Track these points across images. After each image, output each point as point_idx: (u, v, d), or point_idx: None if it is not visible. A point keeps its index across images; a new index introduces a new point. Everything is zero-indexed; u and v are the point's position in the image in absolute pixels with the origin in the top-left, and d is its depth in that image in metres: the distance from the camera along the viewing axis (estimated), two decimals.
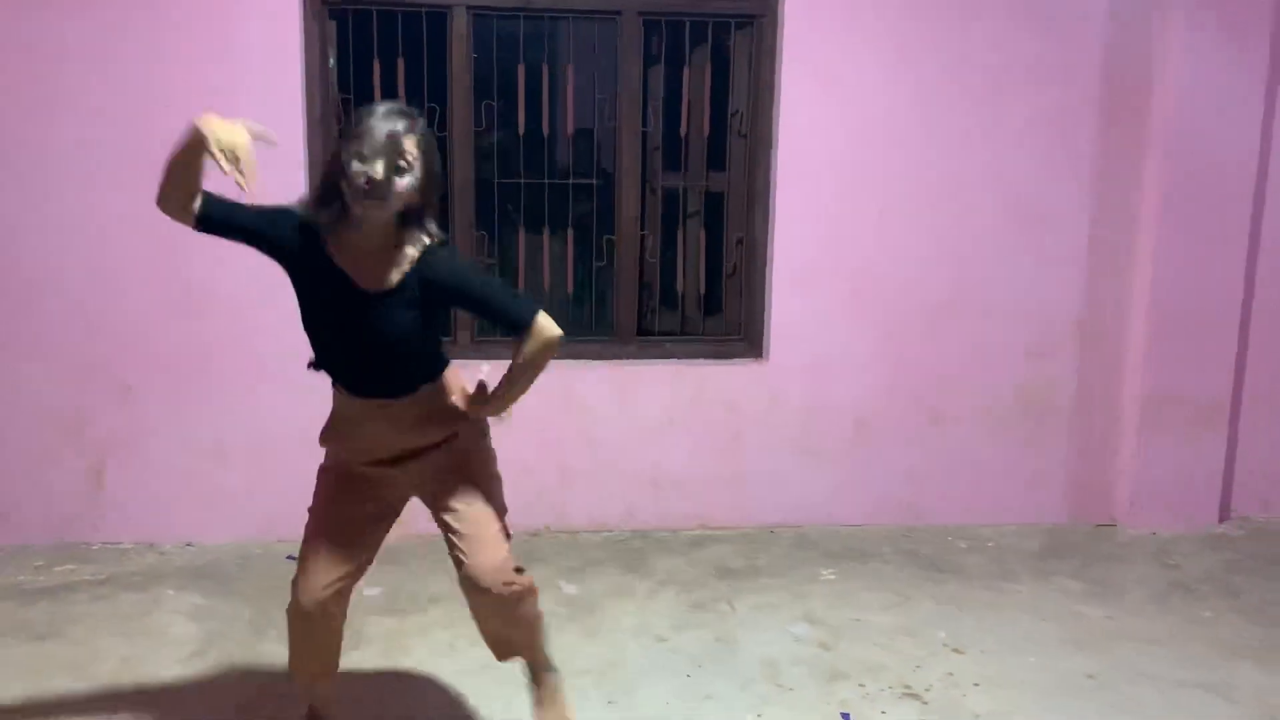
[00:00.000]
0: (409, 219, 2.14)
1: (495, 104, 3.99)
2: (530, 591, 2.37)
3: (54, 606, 3.31)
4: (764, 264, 4.09)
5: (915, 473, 4.20)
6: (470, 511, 2.30)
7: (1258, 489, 4.39)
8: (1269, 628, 3.33)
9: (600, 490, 4.07)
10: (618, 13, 3.91)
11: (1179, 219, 4.02)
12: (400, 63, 3.89)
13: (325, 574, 2.29)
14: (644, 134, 4.06)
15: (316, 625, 2.34)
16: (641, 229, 4.12)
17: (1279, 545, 4.09)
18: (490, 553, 2.28)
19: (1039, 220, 4.11)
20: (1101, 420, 4.25)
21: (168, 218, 2.11)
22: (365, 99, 3.52)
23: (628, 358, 4.09)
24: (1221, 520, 4.29)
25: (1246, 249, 4.10)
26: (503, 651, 2.47)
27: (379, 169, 2.02)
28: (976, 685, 2.93)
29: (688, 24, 4.05)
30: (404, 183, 2.06)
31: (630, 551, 3.89)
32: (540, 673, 2.53)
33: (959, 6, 3.96)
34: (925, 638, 3.21)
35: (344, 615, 2.41)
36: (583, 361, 4.01)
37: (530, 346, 2.18)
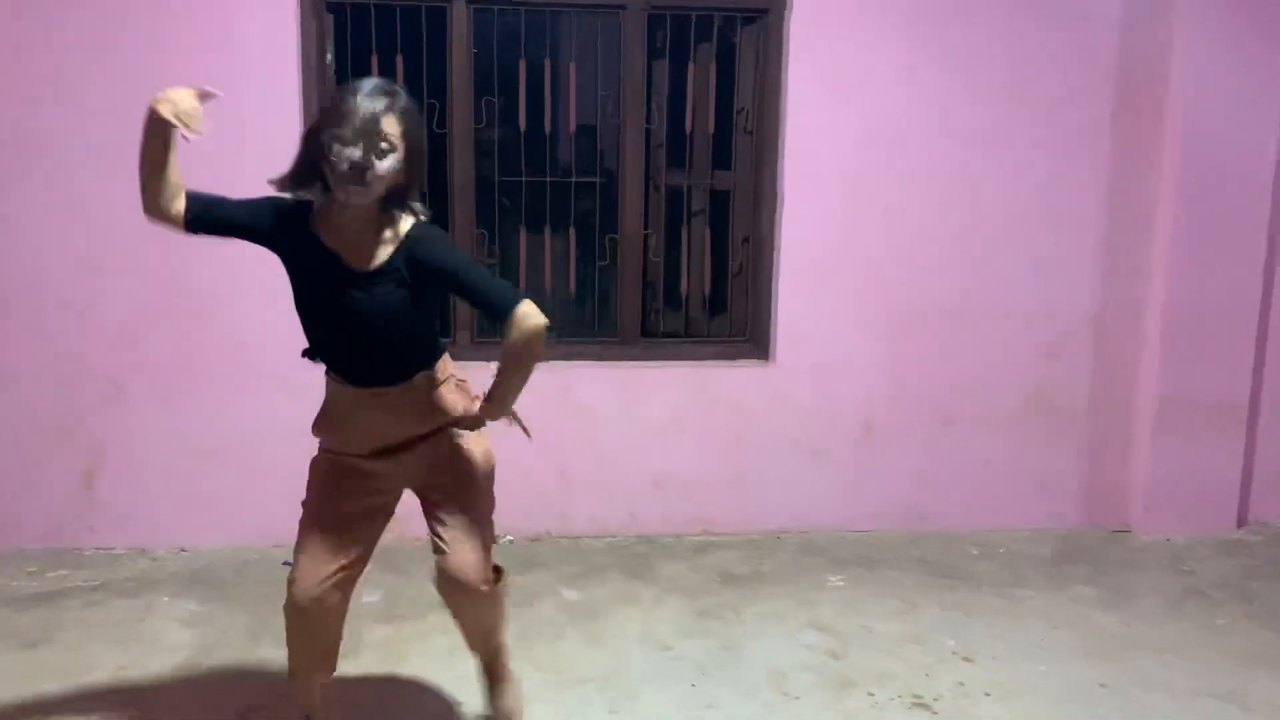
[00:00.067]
0: (393, 198, 2.15)
1: (496, 100, 3.95)
2: (503, 590, 2.41)
3: (46, 613, 3.27)
4: (770, 264, 4.03)
5: (925, 477, 4.13)
6: (458, 506, 2.31)
7: (1276, 494, 4.30)
8: None
9: (602, 494, 4.01)
10: (622, 6, 3.85)
11: (1194, 219, 3.97)
12: (399, 58, 3.84)
13: (320, 568, 2.26)
14: (648, 131, 4.01)
15: (313, 621, 2.29)
16: (645, 228, 4.06)
17: None
18: (469, 550, 2.29)
19: (1051, 220, 4.04)
20: (1116, 424, 4.17)
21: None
22: None
23: (631, 359, 4.03)
24: (1239, 526, 4.21)
25: (1264, 249, 4.03)
26: (476, 643, 2.49)
27: (360, 152, 2.00)
28: (987, 694, 2.88)
29: (693, 19, 3.98)
30: (386, 165, 2.06)
31: (633, 557, 3.83)
32: (499, 662, 2.56)
33: (969, 2, 3.89)
34: (935, 645, 3.16)
35: (344, 612, 2.36)
36: (585, 363, 3.97)
37: (513, 335, 2.14)
